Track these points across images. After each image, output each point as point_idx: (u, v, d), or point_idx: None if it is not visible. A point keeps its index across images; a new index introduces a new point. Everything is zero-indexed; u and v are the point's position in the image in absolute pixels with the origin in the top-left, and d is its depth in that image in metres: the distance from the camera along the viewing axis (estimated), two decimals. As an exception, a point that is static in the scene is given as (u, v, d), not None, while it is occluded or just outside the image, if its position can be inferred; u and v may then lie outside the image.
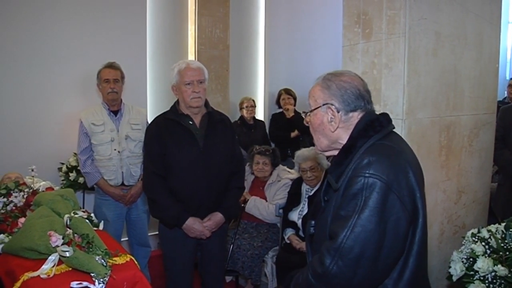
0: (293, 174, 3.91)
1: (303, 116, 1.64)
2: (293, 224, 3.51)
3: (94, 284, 1.88)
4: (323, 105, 1.50)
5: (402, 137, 2.24)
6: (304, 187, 3.57)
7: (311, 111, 1.55)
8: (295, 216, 3.49)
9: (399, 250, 1.35)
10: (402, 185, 1.33)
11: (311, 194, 3.48)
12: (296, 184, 3.64)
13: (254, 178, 3.98)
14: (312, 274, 1.37)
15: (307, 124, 1.61)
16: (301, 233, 3.43)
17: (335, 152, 1.56)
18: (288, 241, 3.48)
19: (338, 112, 1.48)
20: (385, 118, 1.51)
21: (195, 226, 2.60)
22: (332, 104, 1.48)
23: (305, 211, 3.42)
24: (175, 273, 2.74)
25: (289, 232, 3.50)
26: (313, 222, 1.59)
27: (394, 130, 1.54)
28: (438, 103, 2.49)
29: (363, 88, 1.51)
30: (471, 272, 2.00)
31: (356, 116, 1.49)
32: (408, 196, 1.34)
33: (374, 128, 1.45)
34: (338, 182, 1.42)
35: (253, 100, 5.19)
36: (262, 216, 3.71)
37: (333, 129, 1.50)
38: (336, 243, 1.30)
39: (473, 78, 2.76)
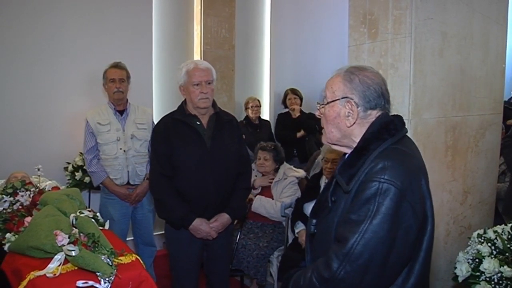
0: (300, 173, 3.91)
1: (317, 107, 1.55)
2: (304, 218, 3.46)
3: (99, 283, 1.88)
4: (342, 98, 1.44)
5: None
6: (323, 180, 3.53)
7: (328, 103, 1.48)
8: (311, 208, 3.44)
9: (407, 257, 1.34)
10: (415, 193, 1.31)
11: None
12: (315, 178, 3.62)
13: (262, 176, 3.97)
14: (317, 278, 1.34)
15: (319, 117, 1.55)
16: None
17: (343, 148, 1.52)
18: (298, 236, 3.45)
19: (357, 107, 1.42)
20: (399, 121, 1.46)
21: (202, 227, 2.60)
22: (351, 99, 1.43)
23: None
24: (181, 273, 2.74)
25: (300, 227, 3.47)
26: (314, 221, 1.56)
27: (407, 134, 1.49)
28: (444, 104, 2.48)
29: (385, 87, 1.46)
30: (477, 273, 1.99)
31: (374, 115, 1.44)
32: (420, 204, 1.32)
33: (389, 132, 1.40)
34: (350, 184, 1.38)
35: (258, 100, 5.20)
36: (269, 214, 3.69)
37: (349, 124, 1.44)
38: (346, 248, 1.28)
39: (480, 78, 2.75)
